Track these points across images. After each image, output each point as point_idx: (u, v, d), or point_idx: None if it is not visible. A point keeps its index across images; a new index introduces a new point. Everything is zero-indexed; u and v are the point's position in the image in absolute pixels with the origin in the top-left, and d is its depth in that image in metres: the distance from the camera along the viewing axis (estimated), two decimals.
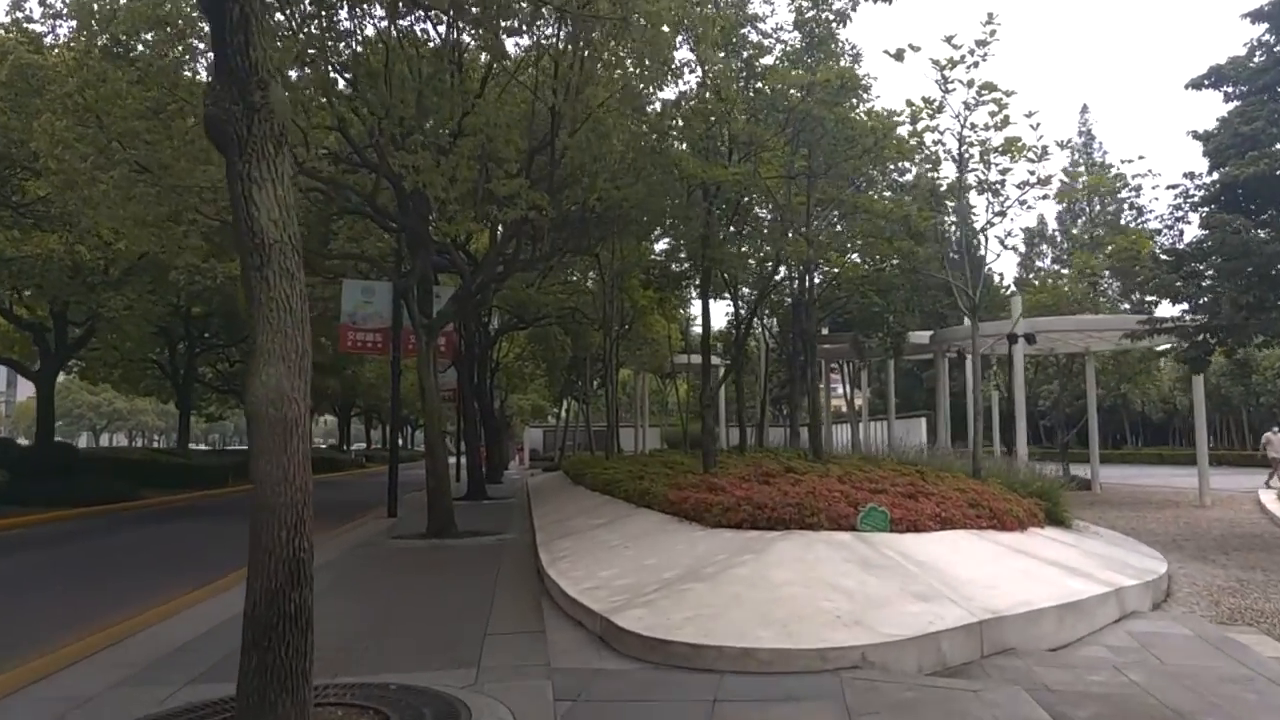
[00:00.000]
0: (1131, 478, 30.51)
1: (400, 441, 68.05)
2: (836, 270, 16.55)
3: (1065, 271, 47.28)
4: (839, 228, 12.89)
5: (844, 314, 26.04)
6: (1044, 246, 69.89)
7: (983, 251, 12.22)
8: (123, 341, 24.38)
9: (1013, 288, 42.09)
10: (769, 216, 16.36)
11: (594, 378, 40.80)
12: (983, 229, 11.61)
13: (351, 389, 46.18)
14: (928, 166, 11.78)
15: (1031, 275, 62.14)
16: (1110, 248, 23.17)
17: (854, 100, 12.14)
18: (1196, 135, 15.80)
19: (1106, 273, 40.08)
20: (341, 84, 12.46)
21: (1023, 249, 69.81)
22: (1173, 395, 46.45)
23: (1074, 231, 69.17)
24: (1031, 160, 10.42)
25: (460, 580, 8.88)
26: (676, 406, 29.24)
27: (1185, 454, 44.21)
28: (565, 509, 13.95)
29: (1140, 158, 12.36)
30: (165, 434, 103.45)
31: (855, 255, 16.54)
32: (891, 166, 14.57)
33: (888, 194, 15.27)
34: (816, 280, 24.25)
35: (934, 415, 40.86)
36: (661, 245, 24.87)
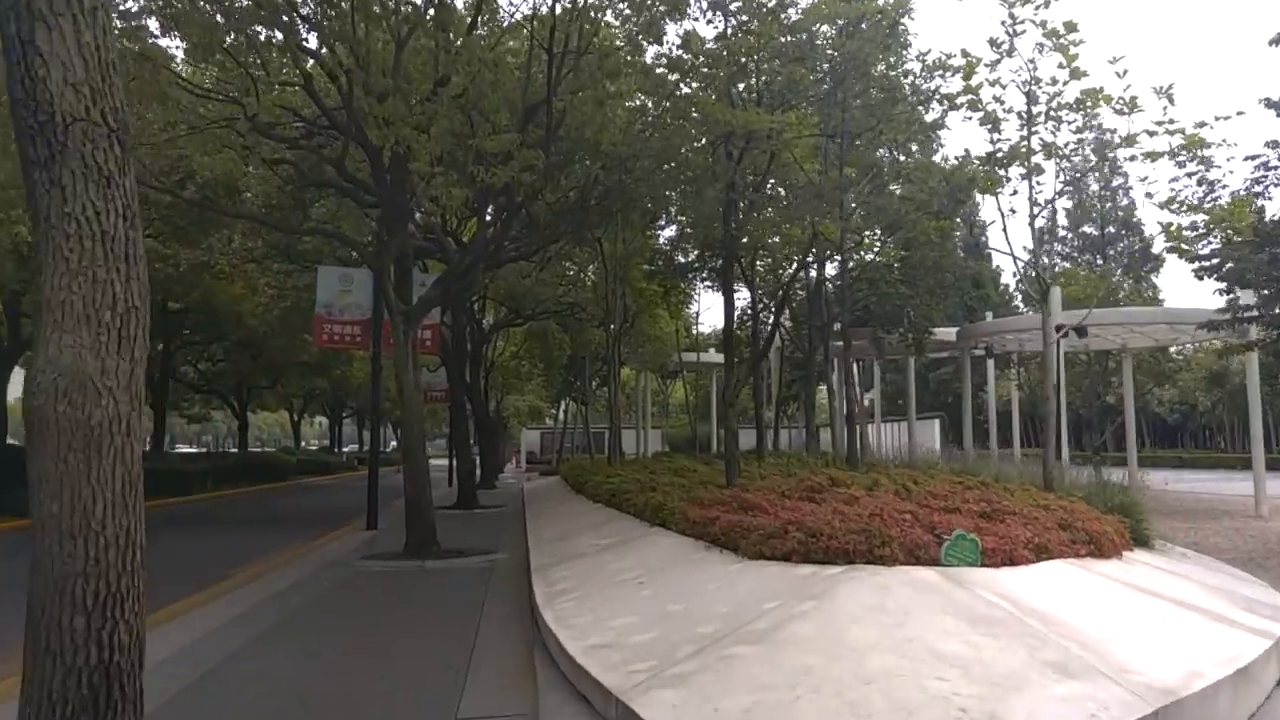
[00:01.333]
0: (1162, 483, 28.82)
1: (394, 444, 66.55)
2: (869, 255, 14.85)
3: (1083, 270, 45.57)
4: (873, 198, 11.12)
5: (860, 308, 24.42)
6: (1054, 245, 68.10)
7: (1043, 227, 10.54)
8: None
9: (1018, 284, 40.43)
10: (788, 199, 14.65)
11: (593, 377, 39.10)
12: (1050, 200, 9.96)
13: (341, 389, 44.40)
14: (986, 128, 10.12)
15: (1042, 273, 59.54)
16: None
17: (900, 53, 10.49)
18: (1270, 103, 14.18)
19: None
20: (306, 35, 10.78)
21: (1031, 246, 67.96)
22: (1194, 396, 44.78)
23: (1084, 229, 67.73)
24: (1121, 111, 8.78)
25: (433, 622, 7.18)
26: (688, 407, 27.55)
27: (1205, 457, 42.66)
28: (565, 523, 12.26)
29: (1239, 113, 10.57)
30: (160, 435, 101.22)
31: (880, 238, 14.78)
32: (925, 137, 12.89)
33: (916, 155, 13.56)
34: (834, 268, 22.64)
35: (948, 417, 39.25)
36: (668, 233, 23.26)
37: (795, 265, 12.00)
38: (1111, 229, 65.61)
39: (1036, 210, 10.03)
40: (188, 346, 32.52)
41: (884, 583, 5.53)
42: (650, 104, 12.59)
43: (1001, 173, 10.80)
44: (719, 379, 38.56)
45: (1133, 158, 9.29)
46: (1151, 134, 9.37)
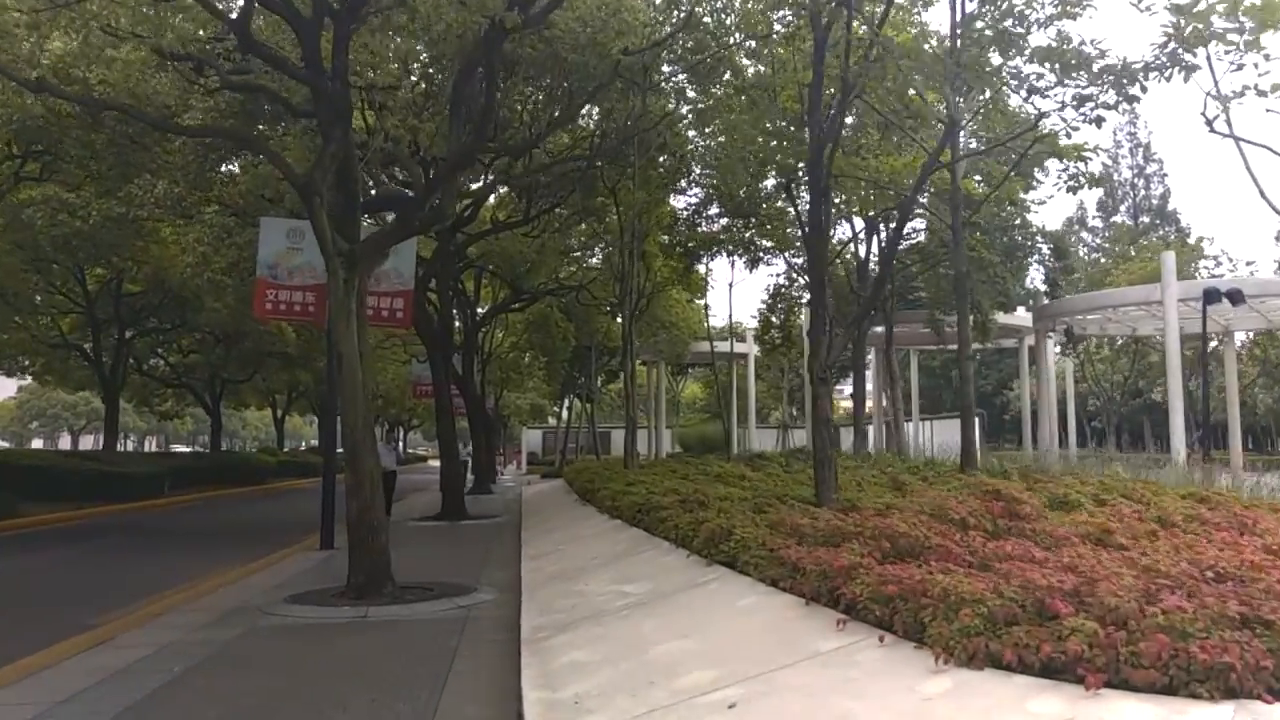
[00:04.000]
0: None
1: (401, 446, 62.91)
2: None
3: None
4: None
5: (906, 286, 21.11)
6: (1083, 234, 64.24)
7: None
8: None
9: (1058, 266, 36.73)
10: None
11: (599, 372, 35.78)
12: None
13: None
14: None
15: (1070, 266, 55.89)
16: None
17: None
18: None
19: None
20: None
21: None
22: (1251, 392, 41.13)
23: (1116, 219, 63.64)
24: None
25: None
26: (719, 402, 24.15)
27: (1268, 460, 39.11)
28: (572, 549, 8.91)
29: None
30: (154, 435, 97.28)
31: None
32: None
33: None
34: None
35: (986, 414, 35.78)
36: (690, 198, 20.02)
37: (908, 199, 8.46)
38: (1145, 219, 62.00)
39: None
40: (151, 334, 29.21)
41: None
42: None
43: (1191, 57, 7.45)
44: (740, 375, 35.16)
45: None
46: None
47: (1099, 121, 8.00)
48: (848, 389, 45.72)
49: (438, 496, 18.62)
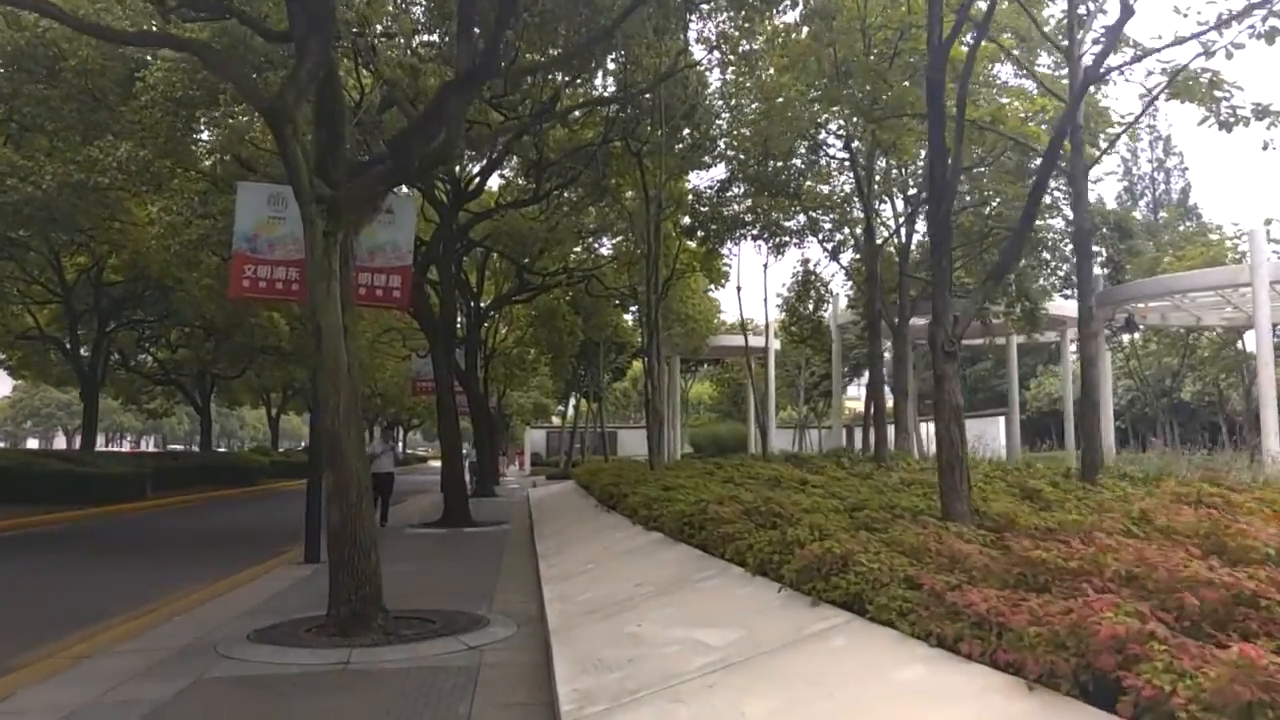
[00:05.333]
0: None
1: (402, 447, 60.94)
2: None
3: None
4: None
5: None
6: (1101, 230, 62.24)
7: None
8: None
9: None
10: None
11: (607, 368, 34.17)
12: None
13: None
14: None
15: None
16: None
17: None
18: None
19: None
20: None
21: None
22: None
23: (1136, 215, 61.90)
24: None
25: None
26: (758, 402, 22.53)
27: None
28: (606, 569, 7.27)
29: None
30: (151, 434, 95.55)
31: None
32: None
33: None
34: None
35: (1012, 414, 34.27)
36: (714, 174, 18.46)
37: (1052, 148, 6.73)
38: (1165, 214, 60.25)
39: None
40: (134, 327, 27.61)
41: None
42: None
43: None
44: (756, 375, 33.29)
45: None
46: None
47: (1271, 36, 6.38)
48: (852, 388, 44.20)
49: (438, 499, 17.08)
